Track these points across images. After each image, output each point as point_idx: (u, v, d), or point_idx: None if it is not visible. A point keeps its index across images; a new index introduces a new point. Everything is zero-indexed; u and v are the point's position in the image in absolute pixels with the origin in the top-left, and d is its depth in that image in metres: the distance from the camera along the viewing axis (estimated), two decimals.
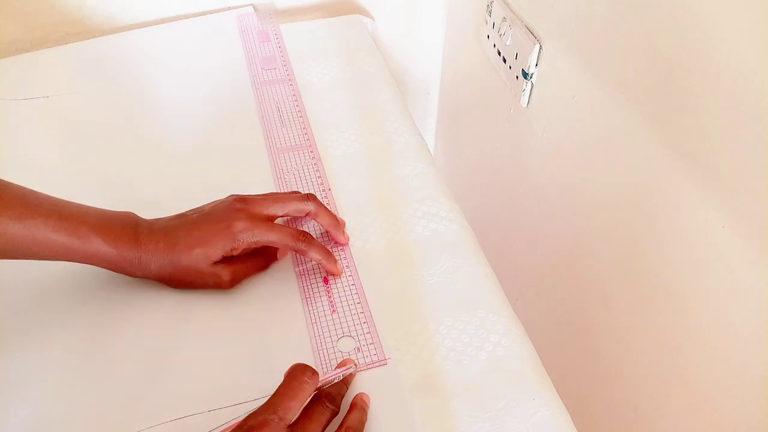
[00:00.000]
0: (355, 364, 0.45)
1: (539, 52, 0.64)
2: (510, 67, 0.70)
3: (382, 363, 0.46)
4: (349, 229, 0.55)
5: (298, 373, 0.40)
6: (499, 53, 0.72)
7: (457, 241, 0.54)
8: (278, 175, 0.59)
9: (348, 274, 0.52)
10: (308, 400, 0.40)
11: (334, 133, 0.64)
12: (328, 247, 0.52)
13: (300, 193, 0.54)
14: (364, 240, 0.54)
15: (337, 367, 0.44)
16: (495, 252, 0.87)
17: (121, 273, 0.48)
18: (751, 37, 0.39)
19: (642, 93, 0.51)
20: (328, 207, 0.53)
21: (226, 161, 0.61)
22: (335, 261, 0.51)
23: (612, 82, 0.54)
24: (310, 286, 0.51)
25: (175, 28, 0.75)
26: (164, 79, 0.69)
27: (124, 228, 0.47)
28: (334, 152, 0.62)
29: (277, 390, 0.39)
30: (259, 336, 0.48)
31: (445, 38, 0.92)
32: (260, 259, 0.51)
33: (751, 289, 0.44)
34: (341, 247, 0.54)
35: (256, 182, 0.57)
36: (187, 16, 0.76)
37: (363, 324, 0.49)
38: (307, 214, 0.51)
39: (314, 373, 0.40)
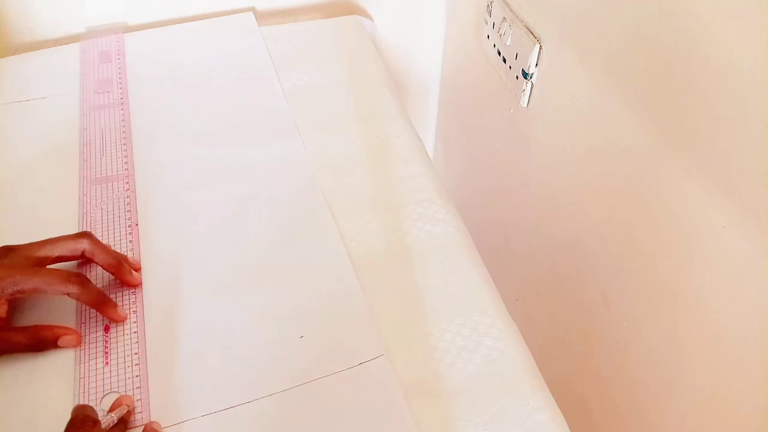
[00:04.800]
0: (128, 405, 0.42)
1: (539, 52, 0.64)
2: (510, 67, 0.70)
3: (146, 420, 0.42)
4: (345, 230, 0.55)
5: (78, 423, 0.38)
6: (499, 53, 0.72)
7: (452, 244, 0.54)
8: (84, 210, 0.54)
9: (133, 320, 0.46)
10: None
11: (331, 135, 0.64)
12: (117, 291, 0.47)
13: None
14: (360, 242, 0.54)
15: (110, 410, 0.41)
16: (494, 252, 0.86)
17: None
18: (751, 37, 0.39)
19: (642, 93, 0.51)
20: (131, 244, 0.48)
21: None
22: (114, 306, 0.46)
23: (612, 82, 0.54)
24: (88, 334, 0.46)
25: (175, 30, 0.75)
26: (163, 81, 0.69)
27: None
28: (331, 153, 0.62)
29: None
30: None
31: (445, 38, 0.92)
32: (31, 337, 0.45)
33: (751, 289, 0.44)
34: (132, 290, 0.48)
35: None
36: (186, 19, 0.76)
37: (135, 377, 0.44)
38: (83, 254, 0.46)
39: (96, 422, 0.38)
